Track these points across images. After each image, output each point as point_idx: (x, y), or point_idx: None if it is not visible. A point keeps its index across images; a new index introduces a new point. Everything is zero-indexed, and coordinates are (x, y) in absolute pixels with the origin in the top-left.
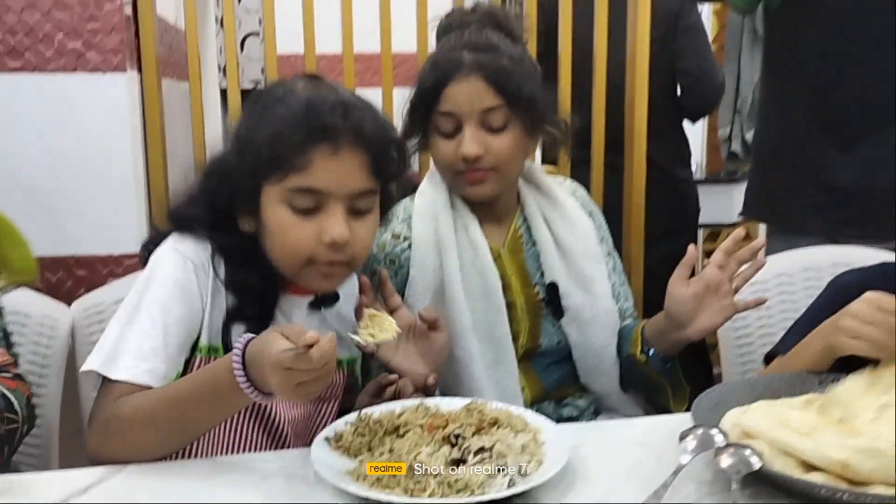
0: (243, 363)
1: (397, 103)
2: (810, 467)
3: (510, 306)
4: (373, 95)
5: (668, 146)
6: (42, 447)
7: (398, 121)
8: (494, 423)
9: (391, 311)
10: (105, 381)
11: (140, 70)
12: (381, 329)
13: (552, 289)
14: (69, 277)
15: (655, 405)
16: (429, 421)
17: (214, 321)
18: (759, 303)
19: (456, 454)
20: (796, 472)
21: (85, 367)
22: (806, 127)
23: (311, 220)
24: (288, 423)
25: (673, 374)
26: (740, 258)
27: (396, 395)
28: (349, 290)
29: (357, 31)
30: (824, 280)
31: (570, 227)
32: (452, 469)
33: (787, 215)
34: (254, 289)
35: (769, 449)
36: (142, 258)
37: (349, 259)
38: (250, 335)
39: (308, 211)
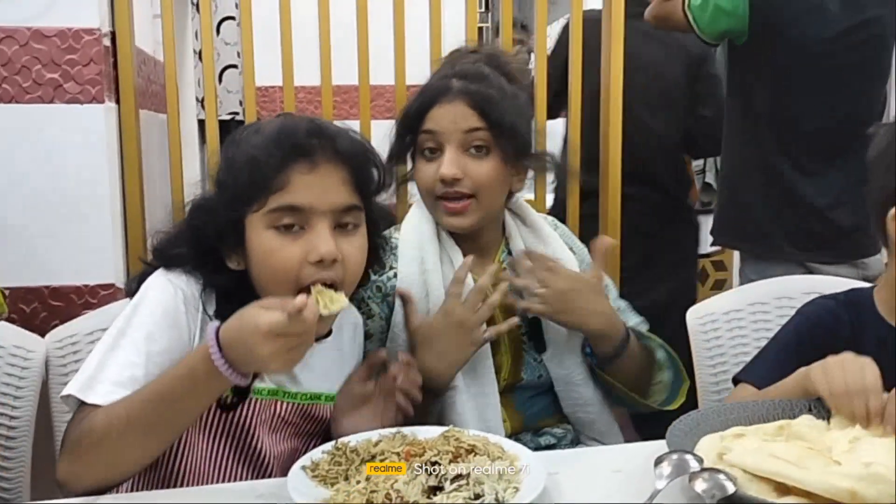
0: (219, 348)
1: (375, 135)
2: (783, 493)
3: (494, 341)
4: (351, 127)
5: (677, 177)
6: (14, 480)
7: (381, 149)
8: (471, 450)
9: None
10: (81, 405)
11: (118, 101)
12: (332, 301)
13: (534, 324)
14: (43, 308)
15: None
16: (406, 449)
17: None
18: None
19: (433, 482)
20: (770, 497)
21: (64, 392)
22: (773, 154)
23: (297, 241)
24: (274, 458)
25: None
26: (480, 287)
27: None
28: (343, 321)
29: (335, 63)
30: (796, 308)
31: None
32: (429, 497)
33: (758, 241)
34: None
35: (743, 474)
36: (128, 292)
37: (340, 279)
38: (218, 322)
39: (293, 232)
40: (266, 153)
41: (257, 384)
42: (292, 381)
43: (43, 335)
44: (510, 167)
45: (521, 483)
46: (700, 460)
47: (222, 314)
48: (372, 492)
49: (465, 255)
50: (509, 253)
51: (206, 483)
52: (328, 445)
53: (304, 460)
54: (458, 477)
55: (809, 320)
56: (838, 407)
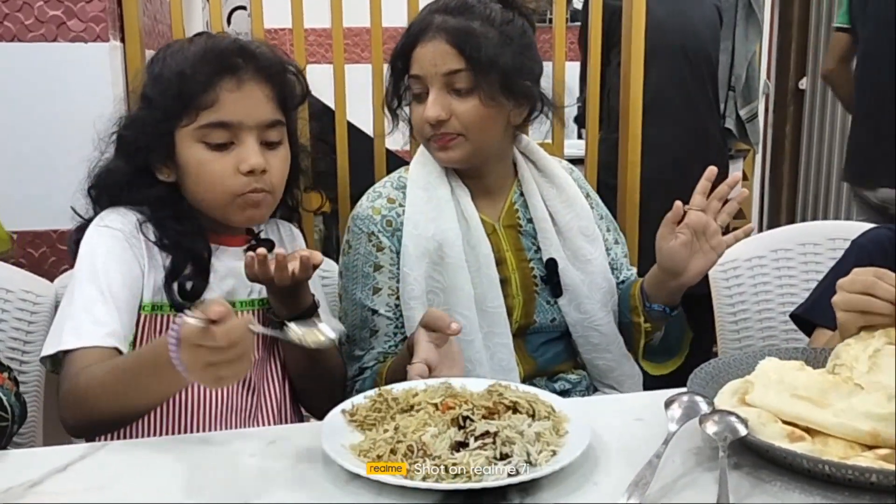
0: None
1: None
2: (799, 436)
3: (505, 282)
4: (362, 71)
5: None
6: (26, 425)
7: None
8: (512, 407)
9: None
10: (66, 355)
11: (123, 41)
12: (318, 334)
13: (551, 266)
14: (52, 253)
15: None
16: (444, 401)
17: (156, 280)
18: (748, 232)
19: (460, 437)
20: (783, 441)
21: (43, 353)
22: None
23: (227, 155)
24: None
25: (678, 321)
26: (720, 195)
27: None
28: (287, 241)
29: (346, 4)
30: (821, 254)
31: (568, 204)
32: (453, 452)
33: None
34: (185, 245)
35: (756, 417)
36: (70, 249)
37: (270, 189)
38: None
39: (222, 146)
40: (194, 70)
41: (206, 298)
42: (245, 290)
43: (52, 280)
44: (500, 101)
45: (562, 448)
46: (710, 402)
47: (163, 240)
48: (398, 441)
49: (473, 193)
50: (521, 194)
51: (186, 405)
52: (371, 392)
53: (346, 404)
54: (485, 434)
55: (867, 249)
56: (853, 303)
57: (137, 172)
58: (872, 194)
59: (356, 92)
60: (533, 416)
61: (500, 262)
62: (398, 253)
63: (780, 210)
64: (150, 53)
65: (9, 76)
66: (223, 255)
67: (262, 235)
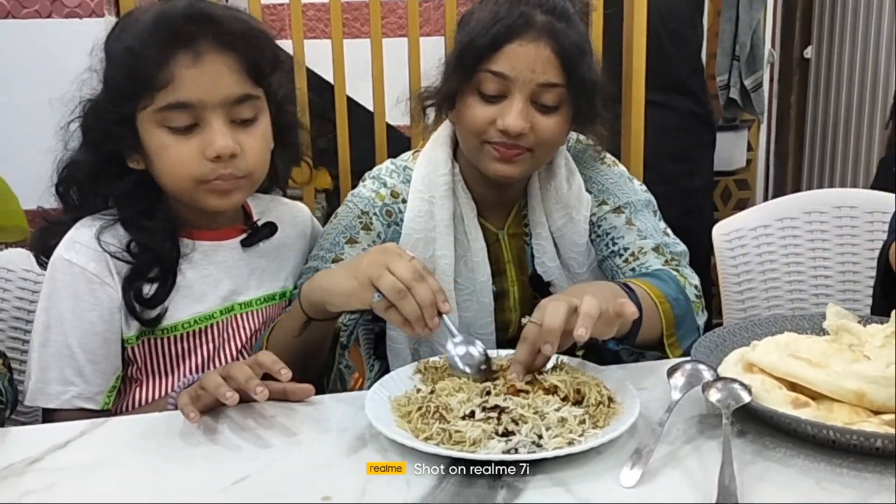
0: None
1: (387, 54)
2: (803, 402)
3: (503, 295)
4: (362, 47)
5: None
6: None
7: (400, 70)
8: (551, 389)
9: None
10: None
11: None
12: None
13: (536, 279)
14: None
15: None
16: (510, 381)
17: None
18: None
19: (474, 407)
20: (787, 408)
21: (26, 402)
22: None
23: (192, 138)
24: None
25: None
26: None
27: None
28: (290, 223)
29: None
30: (826, 222)
31: (563, 209)
32: (464, 419)
33: None
34: (154, 246)
35: (760, 384)
36: (37, 254)
37: (245, 173)
38: (188, 379)
39: (187, 129)
40: (144, 45)
41: (202, 310)
42: (244, 290)
43: None
44: (577, 123)
45: (585, 439)
46: (713, 370)
47: (134, 242)
48: (427, 400)
49: (482, 207)
50: (527, 201)
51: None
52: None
53: (422, 362)
54: (493, 408)
55: None
56: None
57: (107, 162)
58: None
59: (356, 67)
60: (580, 402)
61: (499, 274)
62: (385, 241)
63: (786, 179)
64: None
65: (4, 54)
66: (216, 252)
67: (261, 220)
